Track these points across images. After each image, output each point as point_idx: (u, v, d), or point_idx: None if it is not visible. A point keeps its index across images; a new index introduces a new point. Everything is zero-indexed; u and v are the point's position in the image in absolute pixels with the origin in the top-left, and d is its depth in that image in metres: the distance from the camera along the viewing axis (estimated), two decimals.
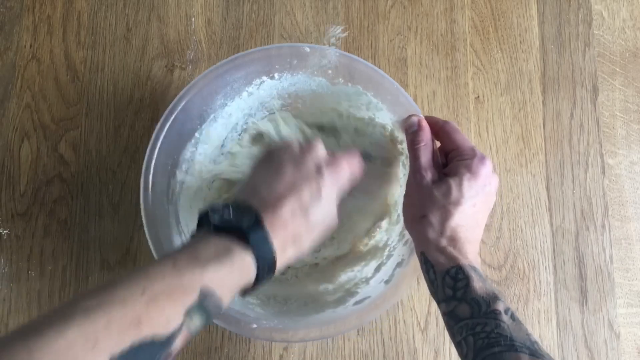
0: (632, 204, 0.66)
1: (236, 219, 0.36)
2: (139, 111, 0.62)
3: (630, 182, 0.66)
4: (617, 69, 0.68)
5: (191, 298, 0.32)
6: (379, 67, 0.65)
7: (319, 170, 0.41)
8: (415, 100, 0.65)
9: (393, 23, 0.67)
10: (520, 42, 0.68)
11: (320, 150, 0.43)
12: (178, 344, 0.31)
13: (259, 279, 0.37)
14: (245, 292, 0.37)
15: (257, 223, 0.37)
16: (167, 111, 0.50)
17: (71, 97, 0.63)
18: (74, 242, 0.59)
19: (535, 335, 0.61)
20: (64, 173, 0.61)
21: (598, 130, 0.67)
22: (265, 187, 0.40)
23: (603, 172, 0.66)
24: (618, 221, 0.65)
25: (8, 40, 0.63)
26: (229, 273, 0.34)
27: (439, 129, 0.46)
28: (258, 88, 0.56)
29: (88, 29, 0.64)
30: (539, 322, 0.61)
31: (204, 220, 0.37)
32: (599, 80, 0.68)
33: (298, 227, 0.39)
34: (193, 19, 0.65)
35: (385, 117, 0.55)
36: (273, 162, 0.42)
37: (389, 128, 0.55)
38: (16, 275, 0.58)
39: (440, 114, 0.65)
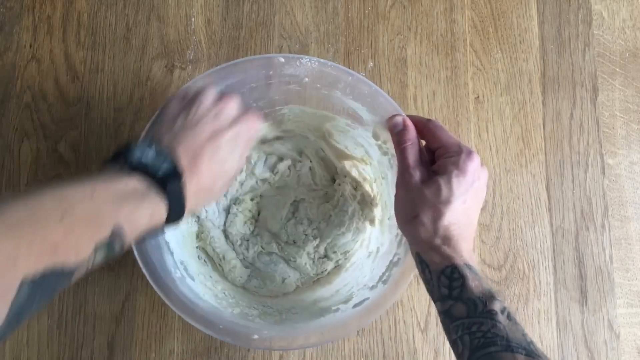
0: (632, 204, 0.66)
1: (156, 163, 0.37)
2: (139, 111, 0.62)
3: (630, 182, 0.66)
4: (617, 69, 0.68)
5: (103, 234, 0.32)
6: (379, 68, 0.66)
7: (235, 122, 0.43)
8: (415, 100, 0.65)
9: (393, 23, 0.67)
10: (520, 42, 0.68)
11: (237, 102, 0.45)
12: (78, 275, 0.32)
13: (165, 225, 0.38)
14: (147, 235, 0.38)
15: (176, 172, 0.38)
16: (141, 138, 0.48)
17: (71, 97, 0.62)
18: None
19: (535, 335, 0.62)
20: (64, 173, 0.61)
21: (598, 130, 0.67)
22: (184, 134, 0.41)
23: (603, 172, 0.66)
24: (618, 221, 0.65)
25: (8, 40, 0.63)
26: (141, 215, 0.35)
27: (423, 127, 0.46)
28: None
29: (88, 29, 0.64)
30: (538, 322, 0.61)
31: (121, 155, 0.37)
32: (599, 80, 0.68)
33: (213, 176, 0.41)
34: (193, 19, 0.65)
35: (367, 119, 0.55)
36: (191, 107, 0.42)
37: (371, 129, 0.55)
38: None
39: (440, 114, 0.65)
